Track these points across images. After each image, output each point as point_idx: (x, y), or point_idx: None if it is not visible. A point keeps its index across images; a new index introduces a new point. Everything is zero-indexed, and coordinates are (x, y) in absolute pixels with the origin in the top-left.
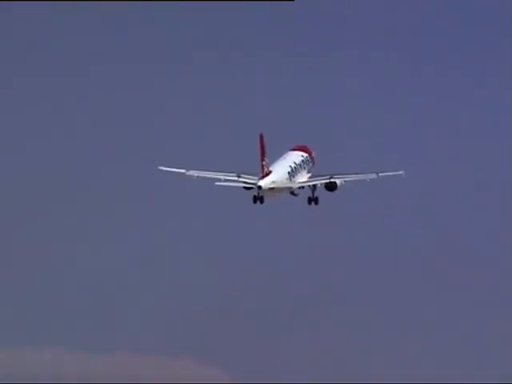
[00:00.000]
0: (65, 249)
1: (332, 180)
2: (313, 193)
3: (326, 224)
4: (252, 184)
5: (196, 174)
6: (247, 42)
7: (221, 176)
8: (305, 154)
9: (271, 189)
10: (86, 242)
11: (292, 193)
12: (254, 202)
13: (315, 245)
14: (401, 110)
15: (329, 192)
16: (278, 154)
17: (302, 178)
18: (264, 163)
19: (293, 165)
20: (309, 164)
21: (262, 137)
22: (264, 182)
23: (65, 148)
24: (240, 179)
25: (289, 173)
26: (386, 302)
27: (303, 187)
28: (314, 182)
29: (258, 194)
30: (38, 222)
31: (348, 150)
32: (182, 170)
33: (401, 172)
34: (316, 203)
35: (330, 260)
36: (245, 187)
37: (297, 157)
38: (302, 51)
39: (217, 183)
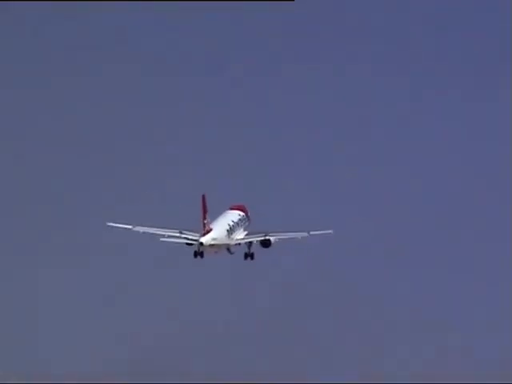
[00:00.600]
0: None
1: (267, 237)
2: (249, 249)
3: (260, 278)
4: (194, 240)
5: (142, 230)
6: (248, 43)
7: (164, 232)
8: (242, 213)
9: (212, 245)
10: (31, 293)
11: (228, 250)
12: (195, 256)
13: (250, 297)
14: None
15: (264, 248)
16: (218, 212)
17: (240, 235)
18: (205, 221)
19: (231, 223)
20: (245, 222)
21: (204, 197)
22: (205, 239)
23: (19, 201)
24: (182, 235)
25: (228, 230)
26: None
27: (240, 244)
28: (251, 239)
29: (199, 249)
30: None
31: (281, 209)
32: (129, 226)
33: (330, 231)
34: (252, 258)
35: (265, 311)
36: (187, 243)
37: (235, 215)
38: (301, 51)
39: (162, 239)
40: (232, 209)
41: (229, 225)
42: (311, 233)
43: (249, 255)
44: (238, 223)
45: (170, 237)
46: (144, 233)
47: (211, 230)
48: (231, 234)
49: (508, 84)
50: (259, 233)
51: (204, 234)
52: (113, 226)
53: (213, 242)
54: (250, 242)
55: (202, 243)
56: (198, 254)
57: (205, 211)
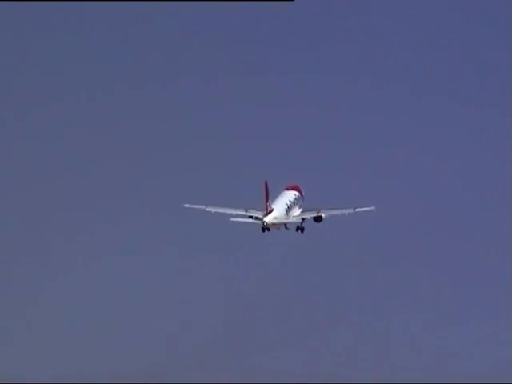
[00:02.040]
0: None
1: (319, 214)
2: (301, 224)
3: (312, 247)
4: (259, 219)
5: (213, 210)
6: (247, 43)
7: (232, 211)
8: (297, 193)
9: (273, 223)
10: (110, 270)
11: (285, 225)
12: (263, 231)
13: (307, 260)
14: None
15: (316, 223)
16: (276, 190)
17: (296, 212)
18: (268, 203)
19: (288, 203)
20: (300, 201)
21: (266, 184)
22: (268, 218)
23: (90, 185)
24: (247, 214)
25: (286, 210)
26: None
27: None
28: (305, 216)
29: (265, 225)
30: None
31: (331, 188)
32: (203, 207)
33: (373, 207)
34: (302, 232)
35: (317, 274)
36: (251, 219)
37: (291, 195)
38: (301, 51)
39: (232, 219)
40: (288, 189)
41: (286, 204)
42: (356, 209)
43: (300, 228)
44: (294, 202)
45: (237, 215)
46: (215, 212)
47: (272, 210)
48: (289, 212)
49: (508, 85)
50: (312, 209)
51: (267, 214)
52: (189, 207)
53: (274, 221)
54: (304, 218)
55: (265, 222)
56: (265, 228)
57: (267, 195)
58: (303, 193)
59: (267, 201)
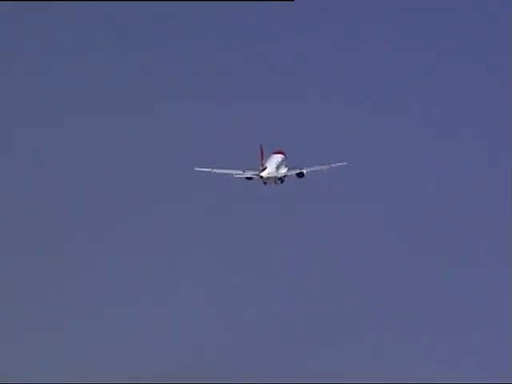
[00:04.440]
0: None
1: (301, 170)
2: (283, 177)
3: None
4: (256, 175)
5: (218, 171)
6: (247, 42)
7: (232, 172)
8: (282, 156)
9: (268, 177)
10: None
11: (274, 181)
12: (265, 183)
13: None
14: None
15: (298, 178)
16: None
17: (283, 170)
18: (262, 162)
19: (277, 162)
20: (285, 161)
21: (261, 146)
22: (264, 173)
23: (98, 153)
24: (245, 172)
25: (276, 167)
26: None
27: (285, 175)
28: (291, 173)
29: (262, 179)
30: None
31: (309, 147)
32: (209, 169)
33: (344, 163)
34: (282, 182)
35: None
36: (247, 178)
37: (278, 157)
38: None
39: (235, 175)
40: (275, 153)
41: (276, 163)
42: (332, 165)
43: (281, 180)
44: (281, 162)
45: (237, 174)
46: (220, 173)
47: (266, 167)
48: (278, 169)
49: (508, 86)
50: (295, 167)
51: (262, 170)
52: (199, 170)
53: (268, 176)
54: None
55: (261, 176)
56: (264, 182)
57: (262, 156)
58: (286, 155)
59: (262, 160)
